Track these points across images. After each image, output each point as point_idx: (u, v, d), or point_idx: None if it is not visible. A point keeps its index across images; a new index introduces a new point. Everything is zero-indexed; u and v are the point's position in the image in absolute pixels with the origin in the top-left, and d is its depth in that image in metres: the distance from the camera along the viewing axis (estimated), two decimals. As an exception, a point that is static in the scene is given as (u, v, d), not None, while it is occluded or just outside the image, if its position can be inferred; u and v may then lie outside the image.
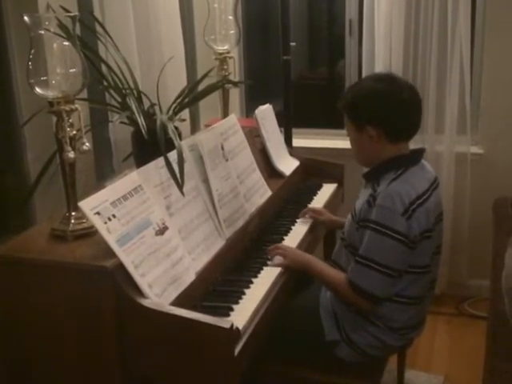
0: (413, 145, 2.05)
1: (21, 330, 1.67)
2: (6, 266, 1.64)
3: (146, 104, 2.14)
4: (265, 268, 2.02)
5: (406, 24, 3.21)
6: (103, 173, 2.44)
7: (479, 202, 3.27)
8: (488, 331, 2.23)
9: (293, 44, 3.12)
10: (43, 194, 2.08)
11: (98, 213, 1.58)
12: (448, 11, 3.12)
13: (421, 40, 3.22)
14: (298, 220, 2.43)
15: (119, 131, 2.39)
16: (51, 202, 2.08)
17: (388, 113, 1.92)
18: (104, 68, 2.15)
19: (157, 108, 2.15)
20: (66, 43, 1.61)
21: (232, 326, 1.52)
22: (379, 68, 3.21)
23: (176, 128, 2.08)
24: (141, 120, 1.89)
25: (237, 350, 1.57)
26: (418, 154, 2.01)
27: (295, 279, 2.08)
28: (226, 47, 2.73)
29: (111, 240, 1.56)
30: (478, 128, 3.33)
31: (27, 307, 1.64)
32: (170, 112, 2.16)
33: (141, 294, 1.57)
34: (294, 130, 3.21)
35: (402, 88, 1.94)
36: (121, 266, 1.55)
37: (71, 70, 1.64)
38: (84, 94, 2.15)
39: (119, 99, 2.09)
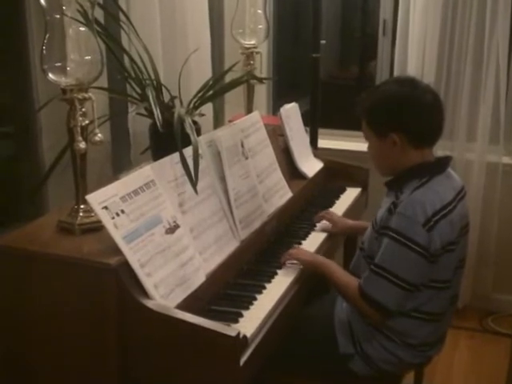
0: (442, 152, 1.95)
1: (21, 321, 1.61)
2: (8, 256, 1.59)
3: (169, 97, 2.08)
4: (279, 273, 1.93)
5: (442, 26, 3.10)
6: (120, 165, 2.37)
7: (508, 214, 3.16)
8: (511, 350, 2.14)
9: (323, 42, 3.03)
10: (57, 183, 2.03)
11: (105, 207, 1.51)
12: (486, 16, 3.01)
13: (456, 43, 3.11)
14: (317, 224, 2.34)
15: (138, 123, 2.33)
16: (65, 193, 2.02)
17: (412, 118, 1.83)
18: (126, 58, 2.09)
19: (177, 101, 2.08)
20: (83, 28, 1.54)
21: (238, 334, 1.44)
22: (411, 70, 3.10)
23: (195, 123, 2.01)
24: (157, 112, 1.81)
25: (243, 360, 1.49)
26: (444, 162, 1.90)
27: (310, 287, 2.00)
28: (253, 42, 2.65)
29: (117, 236, 1.49)
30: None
31: (29, 299, 1.58)
32: (191, 106, 2.08)
33: (146, 294, 1.50)
34: (321, 131, 3.12)
35: (424, 91, 1.85)
36: (126, 264, 1.49)
37: (86, 57, 1.57)
38: (104, 84, 2.11)
39: (139, 90, 2.03)
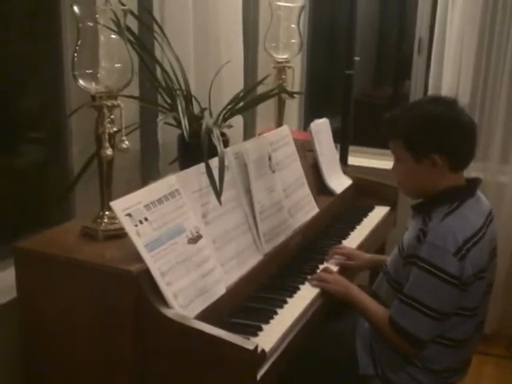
0: (475, 174, 1.91)
1: (41, 323, 1.63)
2: (32, 259, 1.61)
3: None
4: (302, 288, 1.91)
5: (478, 46, 3.06)
6: (148, 174, 2.38)
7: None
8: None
9: (357, 58, 3.01)
10: (84, 189, 2.04)
11: (129, 214, 1.51)
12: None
13: (492, 64, 3.06)
14: (343, 241, 2.32)
15: (168, 133, 2.34)
16: (92, 199, 2.04)
17: (456, 139, 1.78)
18: (158, 69, 2.11)
19: (207, 112, 2.09)
20: (114, 36, 1.56)
21: (256, 347, 1.43)
22: (446, 90, 3.07)
23: (223, 134, 2.01)
24: (184, 122, 1.82)
25: (260, 374, 1.48)
26: (475, 185, 1.86)
27: (333, 303, 1.97)
28: (285, 56, 2.65)
29: (140, 244, 1.49)
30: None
31: (50, 302, 1.60)
32: (220, 117, 2.09)
33: (165, 303, 1.49)
34: (351, 148, 3.10)
35: (462, 112, 1.81)
36: (147, 272, 1.48)
37: (117, 65, 1.58)
38: (136, 93, 2.12)
39: (169, 100, 2.04)
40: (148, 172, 2.38)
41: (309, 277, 1.97)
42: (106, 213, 1.68)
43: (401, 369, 1.83)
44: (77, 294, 1.55)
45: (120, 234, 1.64)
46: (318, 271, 2.02)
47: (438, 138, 1.78)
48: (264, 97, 2.22)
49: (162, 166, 2.40)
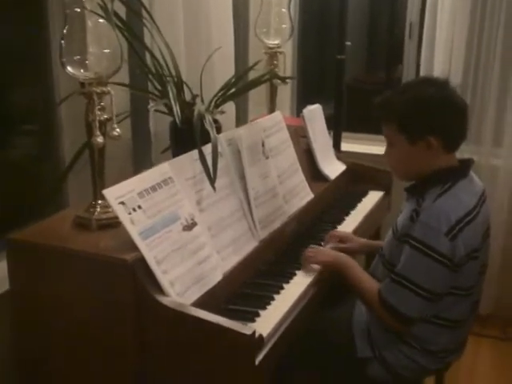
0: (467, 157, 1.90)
1: (37, 315, 1.61)
2: (25, 250, 1.59)
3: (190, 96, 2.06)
4: (298, 274, 1.90)
5: (469, 30, 3.04)
6: (141, 163, 2.36)
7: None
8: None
9: (348, 43, 2.99)
10: (77, 180, 2.02)
11: (122, 202, 1.49)
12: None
13: (484, 47, 3.04)
14: (338, 226, 2.31)
15: (160, 122, 2.32)
16: (85, 189, 2.02)
17: (451, 120, 1.78)
18: (148, 55, 2.09)
19: (198, 99, 2.07)
20: (102, 21, 1.53)
21: (254, 332, 1.42)
22: (437, 74, 3.04)
23: (216, 121, 1.99)
24: (176, 108, 1.80)
25: (258, 359, 1.47)
26: (468, 166, 1.85)
27: (329, 288, 1.96)
28: (277, 42, 2.62)
29: (134, 232, 1.48)
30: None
31: (45, 293, 1.58)
32: (212, 104, 2.07)
33: (161, 291, 1.48)
34: (344, 134, 3.08)
35: (453, 92, 1.81)
36: (142, 261, 1.47)
37: (105, 51, 1.56)
38: (126, 80, 2.10)
39: (159, 87, 2.01)
40: (140, 161, 2.36)
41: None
42: (99, 202, 1.66)
43: (398, 350, 1.83)
44: (71, 284, 1.53)
45: (113, 223, 1.63)
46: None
47: (432, 119, 1.77)
48: (256, 82, 2.20)
49: (154, 154, 2.39)
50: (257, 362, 1.46)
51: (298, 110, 3.62)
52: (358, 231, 2.30)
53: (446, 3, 3.04)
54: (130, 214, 1.50)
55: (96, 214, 1.65)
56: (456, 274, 1.72)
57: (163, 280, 1.49)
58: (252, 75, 2.29)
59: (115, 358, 1.52)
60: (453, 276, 1.72)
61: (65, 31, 1.52)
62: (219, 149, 1.75)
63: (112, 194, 1.49)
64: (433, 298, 1.72)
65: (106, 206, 1.64)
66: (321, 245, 2.12)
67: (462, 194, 1.76)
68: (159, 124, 2.34)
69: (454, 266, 1.69)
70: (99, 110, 1.56)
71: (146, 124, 2.37)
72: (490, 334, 3.03)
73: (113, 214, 1.62)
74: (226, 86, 2.13)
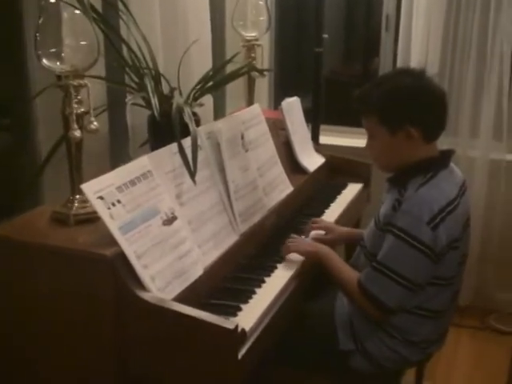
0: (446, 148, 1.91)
1: (15, 312, 1.58)
2: (1, 246, 1.55)
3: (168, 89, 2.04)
4: (279, 267, 1.89)
5: (445, 22, 3.06)
6: (118, 158, 2.33)
7: (511, 212, 3.11)
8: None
9: (325, 36, 2.99)
10: (54, 175, 1.99)
11: (101, 197, 1.47)
12: (490, 11, 2.97)
13: (459, 39, 3.07)
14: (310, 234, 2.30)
15: (137, 115, 2.29)
16: (61, 184, 1.99)
17: (429, 110, 1.79)
18: (124, 48, 2.06)
19: (177, 92, 2.05)
20: (78, 12, 1.50)
21: (237, 327, 1.41)
22: (414, 66, 3.05)
23: (195, 114, 1.97)
24: (154, 101, 1.78)
25: (241, 353, 1.46)
26: (448, 156, 1.86)
27: (311, 281, 1.96)
28: (254, 34, 2.60)
29: (113, 227, 1.45)
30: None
31: (23, 291, 1.55)
32: (190, 97, 2.05)
33: (142, 286, 1.46)
34: (322, 127, 3.09)
35: (431, 81, 1.82)
36: (122, 256, 1.45)
37: (82, 43, 1.53)
38: (102, 74, 2.06)
39: (137, 80, 1.99)
40: (117, 155, 2.33)
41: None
42: (77, 197, 1.64)
43: (380, 341, 1.83)
44: (50, 281, 1.50)
45: (92, 218, 1.60)
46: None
47: (410, 109, 1.78)
48: (234, 75, 2.18)
49: (132, 148, 2.36)
50: (240, 357, 1.44)
51: (276, 103, 3.61)
52: (338, 223, 2.29)
53: (421, -5, 3.05)
54: (109, 208, 1.47)
55: (74, 209, 1.62)
56: (437, 264, 1.72)
57: (144, 275, 1.47)
58: (229, 68, 2.28)
59: (95, 355, 1.50)
60: (434, 266, 1.72)
61: (40, 23, 1.49)
62: (198, 142, 1.73)
63: (90, 188, 1.46)
64: (413, 287, 1.73)
65: (84, 200, 1.62)
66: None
67: (444, 184, 1.76)
68: (136, 117, 2.31)
69: (435, 255, 1.70)
70: (76, 103, 1.54)
71: (122, 118, 2.34)
72: (469, 325, 3.06)
73: (91, 208, 1.59)
74: (205, 79, 2.11)
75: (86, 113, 1.58)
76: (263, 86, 3.43)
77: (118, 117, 2.30)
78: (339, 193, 2.60)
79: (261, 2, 2.63)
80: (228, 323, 1.41)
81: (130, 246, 1.47)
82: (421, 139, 1.79)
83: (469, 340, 3.01)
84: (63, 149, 1.73)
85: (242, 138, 2.07)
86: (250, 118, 2.20)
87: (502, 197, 3.11)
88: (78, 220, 1.60)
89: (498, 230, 3.15)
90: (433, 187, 1.74)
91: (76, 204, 1.62)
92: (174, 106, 1.74)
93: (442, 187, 1.75)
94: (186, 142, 1.69)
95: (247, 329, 1.52)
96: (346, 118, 3.64)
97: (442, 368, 2.74)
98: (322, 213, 2.37)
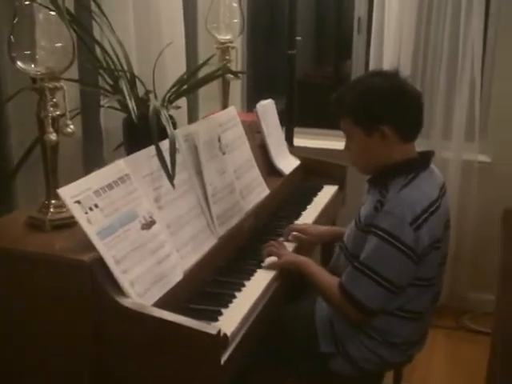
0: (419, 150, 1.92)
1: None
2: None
3: (142, 91, 2.01)
4: (258, 271, 1.88)
5: (417, 24, 3.10)
6: (92, 162, 2.29)
7: (485, 212, 3.16)
8: (492, 348, 2.11)
9: (298, 38, 2.99)
10: (27, 179, 1.94)
11: (78, 201, 1.43)
12: (461, 13, 3.01)
13: (431, 42, 3.11)
14: (295, 221, 2.29)
15: (111, 118, 2.25)
16: (35, 189, 1.94)
17: (402, 109, 1.80)
18: (97, 49, 2.02)
19: (152, 95, 2.02)
20: (53, 13, 1.47)
21: (219, 332, 1.38)
22: (387, 68, 3.08)
23: (171, 117, 1.95)
24: (131, 104, 1.75)
25: (223, 358, 1.44)
26: (428, 158, 1.87)
27: (290, 285, 1.95)
28: (228, 37, 2.59)
29: (91, 232, 1.42)
30: (487, 135, 3.20)
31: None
32: (166, 100, 2.02)
33: (121, 292, 1.43)
34: (296, 130, 3.08)
35: (404, 81, 1.84)
36: (100, 261, 1.41)
37: (57, 45, 1.49)
38: (75, 76, 2.03)
39: (111, 82, 1.95)
40: (91, 159, 2.29)
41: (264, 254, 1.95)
42: (52, 201, 1.60)
43: (361, 344, 1.83)
44: (26, 288, 1.46)
45: (68, 223, 1.56)
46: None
47: (383, 108, 1.79)
48: (210, 78, 2.16)
49: (106, 152, 2.32)
50: (222, 362, 1.42)
51: (248, 106, 3.61)
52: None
53: (393, -1, 3.07)
54: (86, 213, 1.44)
55: (50, 214, 1.58)
56: (418, 264, 1.73)
57: (123, 280, 1.44)
58: (203, 70, 2.26)
59: (74, 363, 1.46)
60: (415, 267, 1.73)
61: (14, 25, 1.45)
62: (176, 145, 1.70)
63: (67, 193, 1.43)
64: (394, 289, 1.73)
65: (60, 205, 1.58)
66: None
67: (425, 185, 1.78)
68: (110, 121, 2.28)
69: (416, 256, 1.70)
70: (52, 106, 1.50)
71: (96, 121, 2.30)
72: (444, 325, 3.08)
73: (67, 213, 1.56)
74: (180, 81, 2.08)
75: (62, 115, 1.55)
76: (236, 88, 3.41)
77: (92, 120, 2.27)
78: (315, 195, 2.60)
79: (234, 4, 2.62)
80: (210, 328, 1.39)
81: (108, 251, 1.44)
82: (396, 139, 1.79)
83: (444, 340, 3.03)
84: (35, 153, 1.70)
85: (219, 140, 2.06)
86: (226, 121, 2.18)
87: (474, 197, 3.15)
88: (54, 225, 1.56)
89: (472, 231, 3.18)
90: (415, 188, 1.75)
91: (52, 209, 1.58)
92: (151, 108, 1.71)
93: (424, 188, 1.76)
94: (164, 145, 1.66)
95: (229, 333, 1.50)
96: (318, 121, 3.66)
97: (419, 369, 2.76)
98: (298, 215, 2.37)
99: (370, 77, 1.95)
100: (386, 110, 1.79)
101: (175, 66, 2.45)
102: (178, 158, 1.73)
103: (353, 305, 1.74)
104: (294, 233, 2.13)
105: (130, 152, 1.86)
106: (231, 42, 2.60)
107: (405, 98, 1.81)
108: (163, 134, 1.69)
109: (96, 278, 1.40)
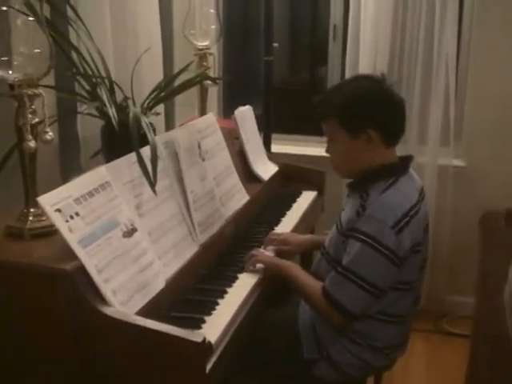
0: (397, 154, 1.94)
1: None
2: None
3: (119, 98, 1.99)
4: (240, 277, 1.87)
5: (393, 32, 3.13)
6: (69, 170, 2.26)
7: (460, 216, 3.18)
8: (472, 352, 2.12)
9: (275, 45, 2.99)
10: (3, 188, 1.91)
11: (58, 210, 1.41)
12: (435, 20, 3.05)
13: (406, 49, 3.15)
14: (275, 228, 2.29)
15: (89, 126, 2.23)
16: (11, 199, 1.91)
17: (388, 114, 1.80)
18: (74, 55, 2.00)
19: (130, 102, 2.00)
20: (31, 18, 1.45)
21: (204, 340, 1.37)
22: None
23: (151, 124, 1.93)
24: (112, 111, 1.73)
25: (208, 367, 1.43)
26: (408, 162, 1.89)
27: (272, 290, 1.94)
28: (206, 43, 2.58)
29: (73, 240, 1.40)
30: (461, 140, 3.24)
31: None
32: (145, 106, 2.01)
33: (104, 301, 1.41)
34: (272, 136, 3.08)
35: (390, 87, 1.85)
36: (82, 270, 1.39)
37: (36, 51, 1.47)
38: (51, 82, 2.00)
39: (88, 88, 1.93)
40: (68, 166, 2.26)
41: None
42: (32, 210, 1.57)
43: (344, 349, 1.82)
44: (8, 297, 1.44)
45: (48, 232, 1.55)
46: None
47: (371, 111, 1.79)
48: (188, 84, 2.15)
49: (83, 159, 2.29)
50: (207, 370, 1.41)
51: (225, 113, 3.60)
52: (295, 231, 2.29)
53: (368, 6, 3.10)
54: (67, 221, 1.42)
55: (29, 223, 1.55)
56: (400, 268, 1.73)
57: (105, 289, 1.42)
58: (180, 77, 2.24)
59: (58, 372, 1.43)
60: (397, 271, 1.73)
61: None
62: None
63: (47, 201, 1.41)
64: (378, 293, 1.73)
65: (40, 214, 1.56)
66: (260, 247, 2.09)
67: (406, 189, 1.78)
68: (87, 127, 2.25)
69: (398, 260, 1.71)
70: (30, 113, 1.48)
71: (73, 127, 2.27)
72: (423, 328, 3.10)
73: (47, 222, 1.54)
74: (158, 88, 2.07)
75: (40, 122, 1.52)
76: (212, 94, 3.40)
77: (69, 127, 2.24)
78: (294, 201, 2.60)
79: (212, 11, 2.61)
80: (195, 336, 1.37)
81: (90, 260, 1.42)
82: (380, 143, 1.80)
83: (423, 343, 3.05)
84: (12, 161, 1.67)
85: (199, 147, 2.04)
86: (205, 127, 2.17)
87: (450, 201, 3.18)
88: (33, 234, 1.54)
89: (448, 235, 3.21)
90: (396, 192, 1.75)
91: (31, 218, 1.56)
92: (131, 115, 1.69)
93: (405, 192, 1.77)
94: (144, 152, 1.65)
95: (213, 341, 1.49)
96: (294, 127, 3.67)
97: (399, 372, 2.75)
98: (278, 221, 2.36)
99: (358, 80, 1.94)
100: (374, 114, 1.78)
101: (152, 73, 2.44)
102: (159, 164, 1.71)
103: (337, 310, 1.74)
104: (274, 246, 2.10)
105: (108, 159, 1.85)
106: (209, 49, 2.59)
107: (391, 102, 1.81)
108: (143, 141, 1.67)
109: (78, 287, 1.38)
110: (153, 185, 1.60)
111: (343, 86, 1.90)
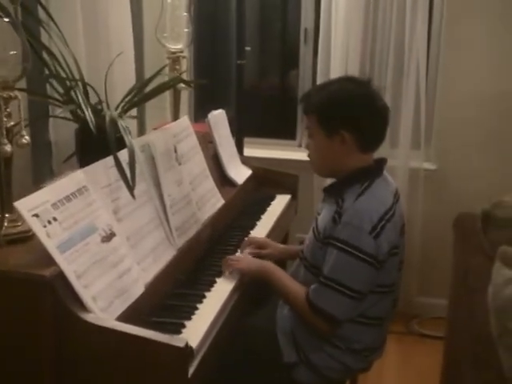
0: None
1: None
2: None
3: (92, 101, 1.96)
4: (218, 281, 1.86)
5: (364, 35, 3.16)
6: (40, 174, 2.22)
7: (430, 219, 3.22)
8: (445, 354, 2.14)
9: (248, 48, 2.99)
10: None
11: (36, 215, 1.38)
12: (406, 25, 3.09)
13: (377, 53, 3.18)
14: (251, 231, 2.28)
15: (61, 130, 2.20)
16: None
17: (366, 118, 1.79)
18: (47, 57, 1.96)
19: (105, 105, 1.98)
20: (6, 20, 1.42)
21: (187, 344, 1.36)
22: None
23: (127, 127, 1.91)
24: (88, 114, 1.70)
25: (191, 371, 1.41)
26: (382, 165, 1.90)
27: (251, 295, 1.93)
28: (179, 46, 2.56)
29: (51, 246, 1.37)
30: (432, 143, 3.28)
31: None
32: (119, 110, 1.98)
33: (83, 307, 1.38)
34: (244, 140, 3.08)
35: (376, 93, 1.84)
36: (61, 276, 1.37)
37: (11, 53, 1.45)
38: (22, 85, 1.96)
39: (61, 90, 1.90)
40: (40, 170, 2.22)
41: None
42: (7, 215, 1.54)
43: (323, 352, 1.82)
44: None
45: (25, 238, 1.51)
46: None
47: (348, 114, 1.79)
48: (164, 87, 2.13)
49: (55, 163, 2.26)
50: (190, 375, 1.40)
51: (196, 117, 3.58)
52: (271, 235, 2.29)
53: (339, 9, 3.12)
54: (45, 226, 1.39)
55: (4, 229, 1.52)
56: (379, 271, 1.74)
57: (85, 295, 1.40)
58: (154, 80, 2.22)
59: (37, 379, 1.40)
60: (376, 274, 1.74)
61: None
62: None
63: (24, 206, 1.38)
64: (359, 297, 1.74)
65: (15, 219, 1.53)
66: (237, 251, 2.08)
67: (380, 193, 1.79)
68: (60, 131, 2.21)
69: (378, 263, 1.72)
70: (6, 116, 1.45)
71: (44, 131, 2.23)
72: (396, 330, 3.12)
73: (23, 227, 1.51)
74: (132, 91, 2.05)
75: (16, 125, 1.49)
76: (183, 98, 3.38)
77: (41, 130, 2.20)
78: (269, 204, 2.60)
79: (185, 14, 2.60)
80: (177, 341, 1.36)
81: (69, 266, 1.39)
82: (355, 147, 1.80)
83: (395, 345, 3.06)
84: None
85: (175, 151, 2.03)
86: (180, 131, 2.16)
87: (421, 204, 3.22)
88: (9, 240, 1.51)
89: (419, 237, 3.24)
90: (371, 196, 1.76)
91: (6, 223, 1.52)
92: (108, 118, 1.67)
93: (379, 196, 1.78)
94: (121, 156, 1.63)
95: (194, 346, 1.47)
96: (265, 131, 3.67)
97: (373, 374, 2.77)
98: (254, 225, 2.36)
99: (343, 81, 1.94)
100: (349, 116, 1.78)
101: (124, 76, 2.41)
102: (136, 168, 1.70)
103: (322, 318, 1.74)
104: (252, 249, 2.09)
105: (82, 163, 1.82)
106: (182, 52, 2.58)
107: (372, 108, 1.80)
108: (119, 145, 1.66)
109: (57, 293, 1.36)
110: (131, 189, 1.58)
111: (328, 86, 1.91)
